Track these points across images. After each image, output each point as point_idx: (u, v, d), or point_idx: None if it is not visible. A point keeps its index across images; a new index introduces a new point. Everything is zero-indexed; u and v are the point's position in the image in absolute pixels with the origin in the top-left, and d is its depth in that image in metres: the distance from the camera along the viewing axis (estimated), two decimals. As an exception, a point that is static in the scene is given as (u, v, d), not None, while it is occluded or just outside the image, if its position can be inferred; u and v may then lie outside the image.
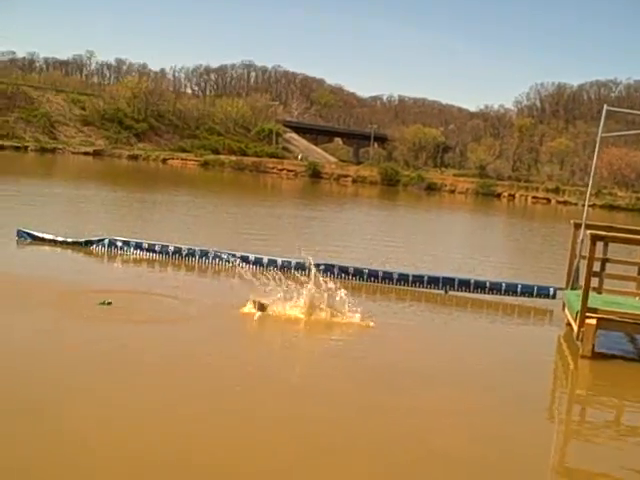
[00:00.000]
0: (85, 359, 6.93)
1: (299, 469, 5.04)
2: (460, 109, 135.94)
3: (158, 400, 6.00)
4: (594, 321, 8.59)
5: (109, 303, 8.96)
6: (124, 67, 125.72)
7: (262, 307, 9.28)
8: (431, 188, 64.69)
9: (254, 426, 5.67)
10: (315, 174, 68.72)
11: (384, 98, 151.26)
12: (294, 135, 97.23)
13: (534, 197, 63.73)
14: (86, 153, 68.81)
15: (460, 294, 12.05)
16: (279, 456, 5.18)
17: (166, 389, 6.27)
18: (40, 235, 13.66)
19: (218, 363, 7.19)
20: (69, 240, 13.55)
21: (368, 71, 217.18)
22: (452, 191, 64.92)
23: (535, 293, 12.03)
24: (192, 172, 61.61)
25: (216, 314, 9.12)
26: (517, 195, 64.52)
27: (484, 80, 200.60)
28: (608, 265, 10.19)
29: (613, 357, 8.92)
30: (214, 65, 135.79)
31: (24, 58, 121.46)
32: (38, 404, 5.65)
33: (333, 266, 12.65)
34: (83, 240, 13.53)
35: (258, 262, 12.76)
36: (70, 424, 5.37)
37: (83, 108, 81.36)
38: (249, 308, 9.27)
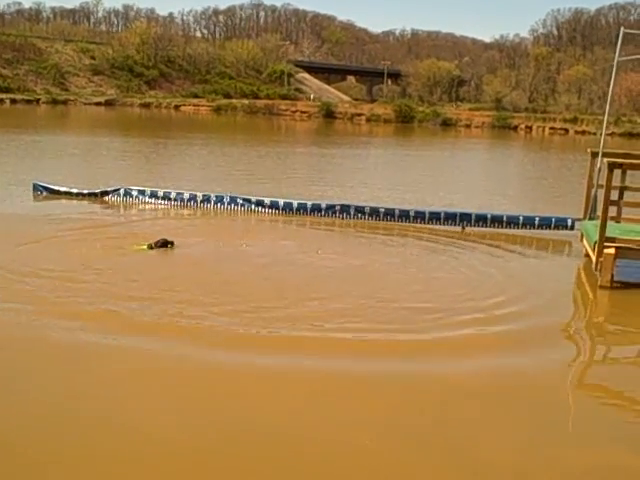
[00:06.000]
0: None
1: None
2: (474, 40, 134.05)
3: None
4: (612, 250, 8.54)
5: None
6: (132, 13, 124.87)
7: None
8: (446, 124, 63.95)
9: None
10: (329, 114, 68.08)
11: (396, 33, 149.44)
12: (306, 75, 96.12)
13: (551, 128, 62.86)
14: (98, 103, 68.55)
15: (478, 229, 12.01)
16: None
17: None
18: (56, 188, 13.71)
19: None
20: (85, 192, 13.59)
21: (380, 5, 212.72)
22: (468, 125, 64.15)
23: (553, 225, 11.97)
24: (205, 118, 61.26)
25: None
26: (534, 127, 63.63)
27: (499, 8, 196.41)
28: (627, 193, 10.04)
29: (632, 286, 8.86)
30: (222, 6, 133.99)
31: (30, 8, 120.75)
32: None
33: (349, 206, 12.64)
34: (99, 191, 13.57)
35: (274, 206, 12.77)
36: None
37: (93, 57, 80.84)
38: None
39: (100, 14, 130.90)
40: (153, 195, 13.34)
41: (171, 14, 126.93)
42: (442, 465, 4.42)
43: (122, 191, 13.46)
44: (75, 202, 13.20)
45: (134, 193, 13.41)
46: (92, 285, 7.59)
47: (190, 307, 6.97)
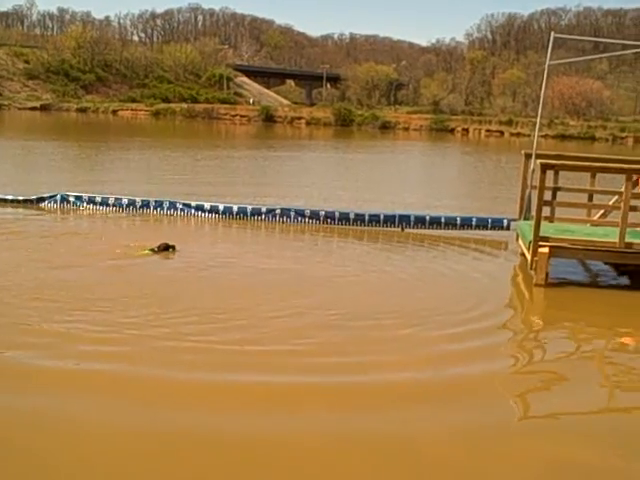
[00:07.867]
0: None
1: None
2: (411, 45, 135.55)
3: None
4: (546, 250, 8.77)
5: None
6: (67, 16, 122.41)
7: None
8: (385, 127, 64.61)
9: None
10: (268, 118, 68.08)
11: (335, 37, 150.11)
12: (245, 79, 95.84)
13: (487, 130, 64.08)
14: (33, 108, 67.15)
15: (416, 231, 12.19)
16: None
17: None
18: (-11, 195, 13.40)
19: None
20: (20, 198, 13.30)
21: (318, 9, 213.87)
22: (406, 128, 64.93)
23: (490, 225, 12.23)
24: (143, 122, 60.52)
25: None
26: (471, 129, 64.77)
27: (434, 12, 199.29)
28: (560, 194, 10.29)
29: (567, 284, 9.13)
30: (160, 10, 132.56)
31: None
32: None
33: (289, 210, 12.67)
34: (35, 197, 13.29)
35: (214, 210, 12.73)
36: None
37: (27, 61, 79.02)
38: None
39: (34, 17, 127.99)
40: (91, 201, 13.14)
41: (108, 17, 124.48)
42: (389, 464, 4.47)
43: (59, 197, 13.22)
44: (10, 209, 12.91)
45: (71, 199, 13.19)
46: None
47: (115, 318, 6.79)
